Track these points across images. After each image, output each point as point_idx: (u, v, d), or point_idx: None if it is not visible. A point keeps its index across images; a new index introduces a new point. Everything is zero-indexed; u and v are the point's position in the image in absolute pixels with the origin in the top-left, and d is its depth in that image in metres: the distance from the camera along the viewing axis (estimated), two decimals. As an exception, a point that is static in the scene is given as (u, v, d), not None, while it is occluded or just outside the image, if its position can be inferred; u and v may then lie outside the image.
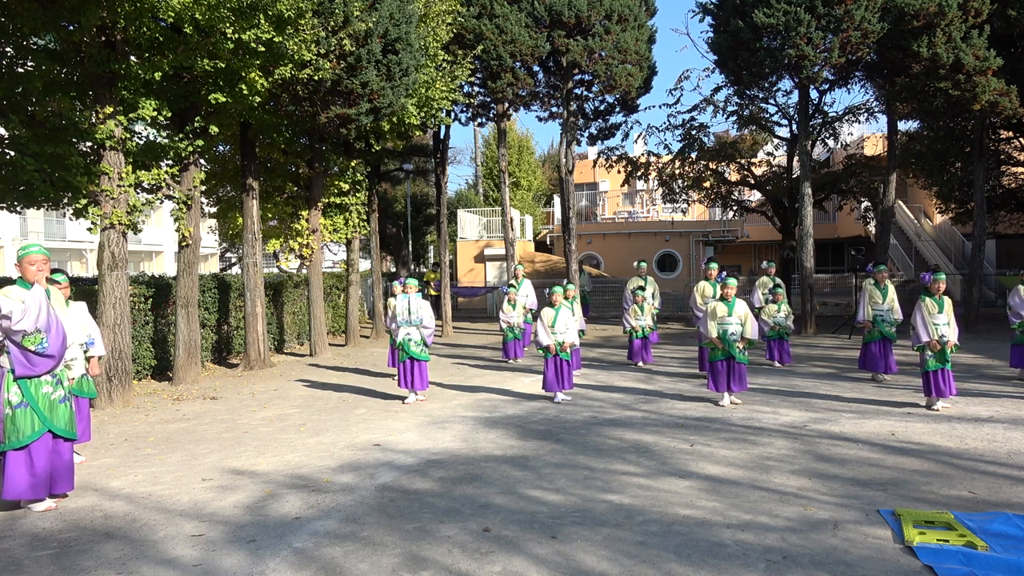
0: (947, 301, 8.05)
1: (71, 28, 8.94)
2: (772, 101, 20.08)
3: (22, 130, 8.68)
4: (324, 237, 15.83)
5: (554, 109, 18.86)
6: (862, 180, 21.54)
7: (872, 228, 25.29)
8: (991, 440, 6.59)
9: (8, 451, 5.03)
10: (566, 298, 9.33)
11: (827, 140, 21.69)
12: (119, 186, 9.36)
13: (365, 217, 16.76)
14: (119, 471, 6.18)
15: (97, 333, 6.91)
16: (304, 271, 16.87)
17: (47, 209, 10.18)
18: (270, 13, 9.21)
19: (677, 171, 22.00)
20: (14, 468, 5.03)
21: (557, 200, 30.15)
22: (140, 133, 11.13)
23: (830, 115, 21.02)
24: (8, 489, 5.02)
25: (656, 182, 23.54)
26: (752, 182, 22.42)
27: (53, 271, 5.99)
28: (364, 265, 26.82)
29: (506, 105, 18.48)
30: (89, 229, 9.61)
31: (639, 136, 21.92)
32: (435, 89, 14.33)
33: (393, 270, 28.75)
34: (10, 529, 4.81)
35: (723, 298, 8.47)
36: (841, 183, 21.74)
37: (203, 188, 13.22)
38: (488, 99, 18.37)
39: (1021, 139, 19.82)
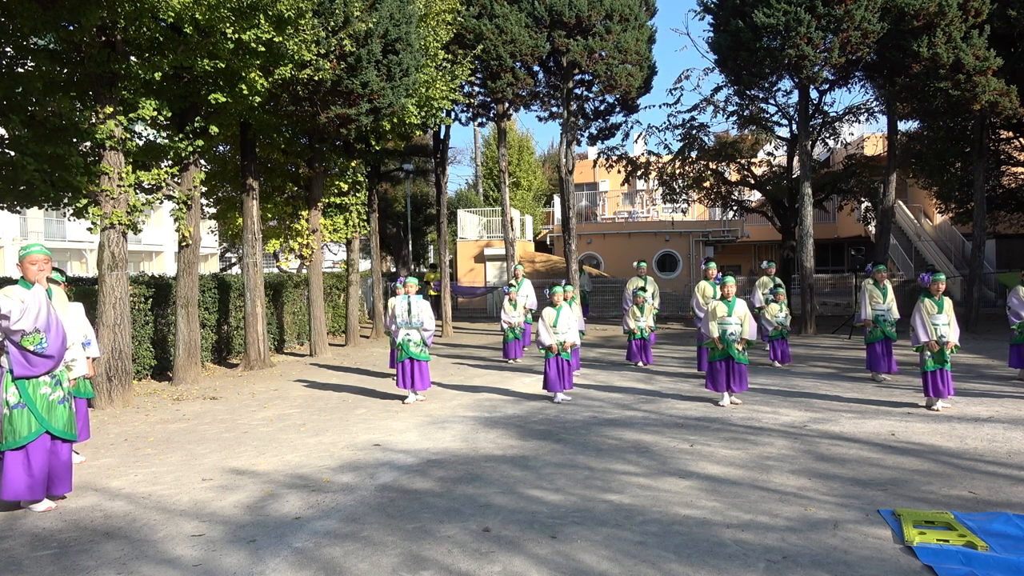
0: (947, 301, 8.04)
1: (71, 28, 8.93)
2: (772, 101, 20.09)
3: (22, 130, 8.67)
4: (324, 237, 15.83)
5: (554, 109, 18.87)
6: (862, 180, 21.54)
7: (872, 228, 25.29)
8: (991, 440, 6.59)
9: (6, 451, 5.03)
10: (565, 299, 9.32)
11: (827, 140, 21.69)
12: (119, 186, 9.37)
13: (365, 217, 16.76)
14: (119, 471, 6.18)
15: (92, 334, 6.92)
16: (304, 271, 16.87)
17: (47, 209, 10.17)
18: (270, 13, 9.20)
19: (677, 171, 21.98)
20: (12, 469, 5.03)
21: (557, 200, 30.15)
22: (140, 133, 11.13)
23: (830, 115, 21.03)
24: (6, 490, 5.01)
25: (656, 182, 23.53)
26: (752, 182, 22.42)
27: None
28: (364, 265, 26.84)
29: (506, 105, 18.48)
30: (89, 229, 9.61)
31: (639, 136, 21.91)
32: (435, 89, 14.33)
33: (393, 270, 28.75)
34: (10, 529, 4.81)
35: (723, 298, 8.48)
36: (841, 183, 21.74)
37: (203, 188, 13.23)
38: (488, 99, 18.37)
39: (1021, 139, 19.82)
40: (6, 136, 8.91)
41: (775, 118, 21.42)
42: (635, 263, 13.40)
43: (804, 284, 17.19)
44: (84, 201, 9.30)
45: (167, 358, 11.81)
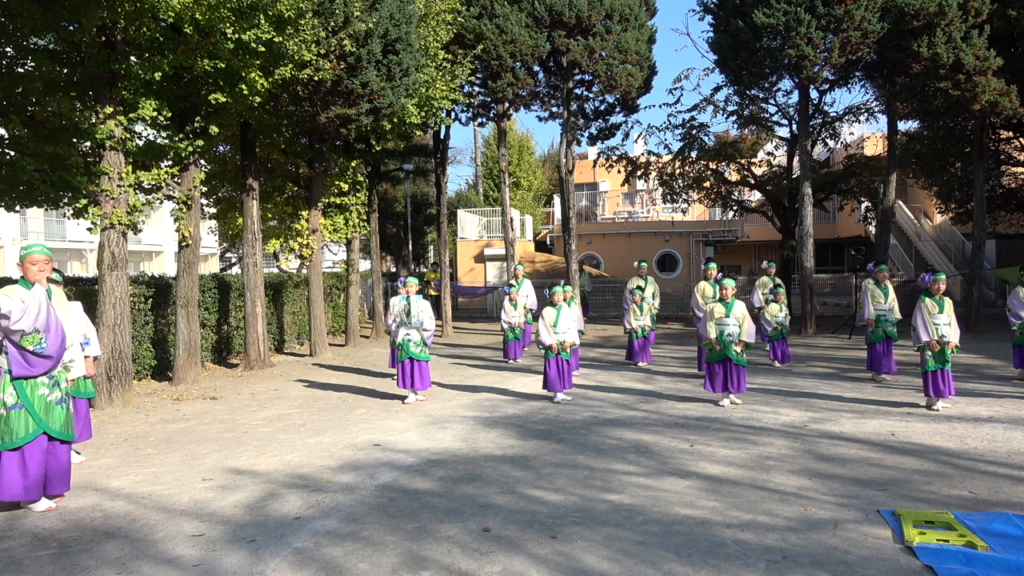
0: (947, 301, 8.04)
1: (71, 28, 8.94)
2: (772, 101, 20.07)
3: (22, 130, 8.68)
4: (324, 237, 15.82)
5: (554, 109, 18.86)
6: (862, 180, 21.53)
7: (872, 228, 25.28)
8: (991, 440, 6.59)
9: (2, 452, 5.02)
10: (565, 299, 9.32)
11: (827, 140, 21.69)
12: (119, 186, 9.36)
13: (365, 217, 16.76)
14: (119, 471, 6.18)
15: (93, 333, 6.91)
16: (304, 271, 16.87)
17: (47, 209, 10.17)
18: (270, 13, 9.20)
19: (677, 171, 21.99)
20: (8, 470, 5.01)
21: (557, 200, 30.15)
22: (140, 133, 11.13)
23: (830, 115, 21.02)
24: (2, 491, 5.00)
25: (656, 182, 23.53)
26: (752, 182, 22.42)
27: None
28: (364, 265, 26.84)
29: (506, 105, 18.48)
30: (89, 229, 9.61)
31: (639, 136, 21.90)
32: (435, 89, 14.32)
33: (393, 270, 28.75)
34: (10, 529, 4.81)
35: (721, 299, 8.48)
36: (841, 183, 21.74)
37: (203, 188, 13.22)
38: (488, 99, 18.36)
39: (1021, 139, 19.81)
40: (6, 136, 8.91)
41: (775, 118, 21.43)
42: (636, 263, 13.41)
43: (804, 284, 17.18)
44: (84, 201, 9.30)
45: (167, 358, 11.80)
